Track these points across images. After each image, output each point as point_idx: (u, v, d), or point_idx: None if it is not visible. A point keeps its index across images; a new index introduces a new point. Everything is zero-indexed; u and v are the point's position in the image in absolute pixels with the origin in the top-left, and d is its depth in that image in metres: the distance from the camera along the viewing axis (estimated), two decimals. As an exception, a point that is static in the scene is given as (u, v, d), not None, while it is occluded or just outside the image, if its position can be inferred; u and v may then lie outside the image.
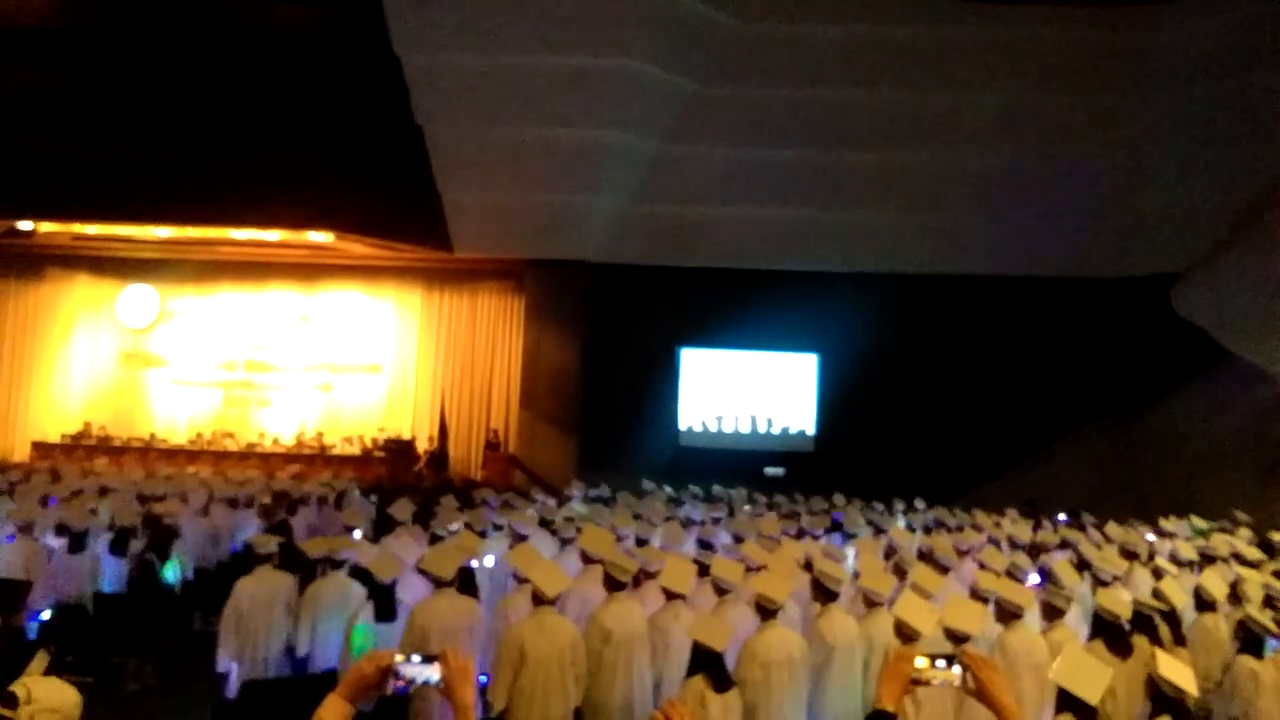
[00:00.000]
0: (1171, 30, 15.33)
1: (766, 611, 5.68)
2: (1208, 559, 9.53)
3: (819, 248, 18.04)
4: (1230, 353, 15.73)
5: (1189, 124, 15.87)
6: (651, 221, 17.97)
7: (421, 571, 6.35)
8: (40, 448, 19.83)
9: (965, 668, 2.76)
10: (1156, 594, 6.93)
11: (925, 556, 8.38)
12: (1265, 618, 6.00)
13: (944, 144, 16.57)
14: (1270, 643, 5.86)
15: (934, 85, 15.97)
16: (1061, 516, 13.53)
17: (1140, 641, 6.03)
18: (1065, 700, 4.19)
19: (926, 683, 2.79)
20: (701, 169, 17.22)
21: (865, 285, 17.80)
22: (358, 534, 8.86)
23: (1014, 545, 10.13)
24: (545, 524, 9.53)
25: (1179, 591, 7.12)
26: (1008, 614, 6.05)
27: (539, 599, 5.57)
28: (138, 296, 21.47)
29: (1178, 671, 4.38)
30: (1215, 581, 7.43)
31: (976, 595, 6.56)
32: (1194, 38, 15.17)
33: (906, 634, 5.40)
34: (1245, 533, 11.99)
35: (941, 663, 2.78)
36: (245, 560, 8.40)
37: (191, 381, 21.38)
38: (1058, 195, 17.13)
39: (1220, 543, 10.29)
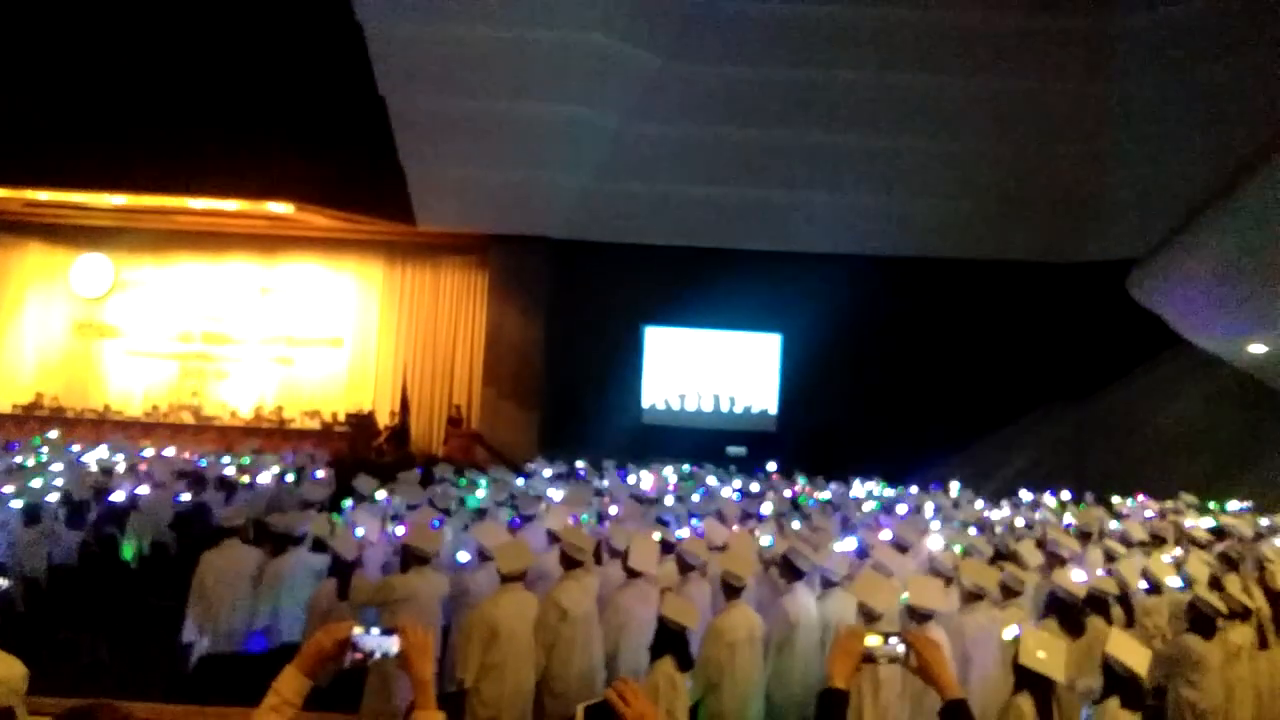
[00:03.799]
0: (1131, 17, 15.47)
1: (732, 590, 5.70)
2: (1158, 540, 9.70)
3: (783, 227, 18.08)
4: (1184, 338, 15.97)
5: (1148, 110, 16.04)
6: (616, 198, 17.89)
7: (405, 548, 6.25)
8: (-10, 418, 19.41)
9: (909, 645, 2.81)
10: (1111, 574, 7.04)
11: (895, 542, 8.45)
12: (1214, 598, 6.13)
13: (906, 127, 16.63)
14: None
15: (896, 68, 16.01)
16: (1028, 497, 13.78)
17: (1095, 621, 6.13)
18: (1023, 679, 4.26)
19: (875, 660, 2.83)
20: (667, 146, 17.15)
21: (828, 266, 17.85)
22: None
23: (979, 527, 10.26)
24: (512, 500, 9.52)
25: (1133, 573, 7.24)
26: (970, 595, 6.11)
27: (505, 576, 5.57)
28: (92, 265, 21.02)
29: (1130, 651, 4.46)
30: (1162, 563, 7.57)
31: (936, 574, 6.63)
32: (1153, 25, 15.31)
33: (867, 614, 5.43)
34: (1193, 515, 12.21)
35: (892, 640, 2.83)
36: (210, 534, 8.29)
37: (147, 353, 20.99)
38: (1017, 180, 17.29)
39: (1168, 526, 10.49)
